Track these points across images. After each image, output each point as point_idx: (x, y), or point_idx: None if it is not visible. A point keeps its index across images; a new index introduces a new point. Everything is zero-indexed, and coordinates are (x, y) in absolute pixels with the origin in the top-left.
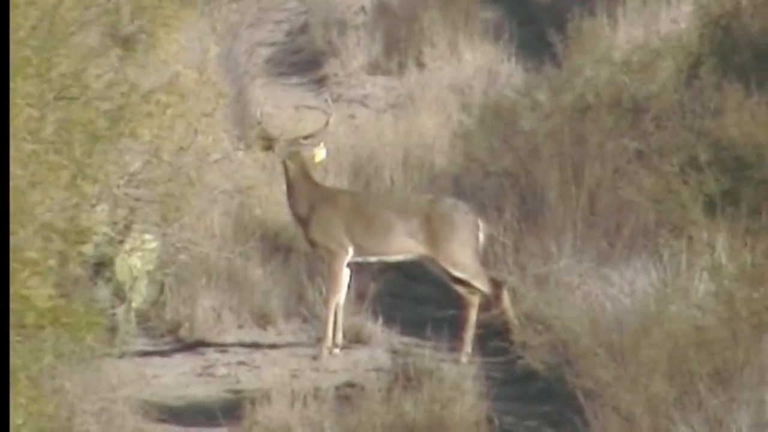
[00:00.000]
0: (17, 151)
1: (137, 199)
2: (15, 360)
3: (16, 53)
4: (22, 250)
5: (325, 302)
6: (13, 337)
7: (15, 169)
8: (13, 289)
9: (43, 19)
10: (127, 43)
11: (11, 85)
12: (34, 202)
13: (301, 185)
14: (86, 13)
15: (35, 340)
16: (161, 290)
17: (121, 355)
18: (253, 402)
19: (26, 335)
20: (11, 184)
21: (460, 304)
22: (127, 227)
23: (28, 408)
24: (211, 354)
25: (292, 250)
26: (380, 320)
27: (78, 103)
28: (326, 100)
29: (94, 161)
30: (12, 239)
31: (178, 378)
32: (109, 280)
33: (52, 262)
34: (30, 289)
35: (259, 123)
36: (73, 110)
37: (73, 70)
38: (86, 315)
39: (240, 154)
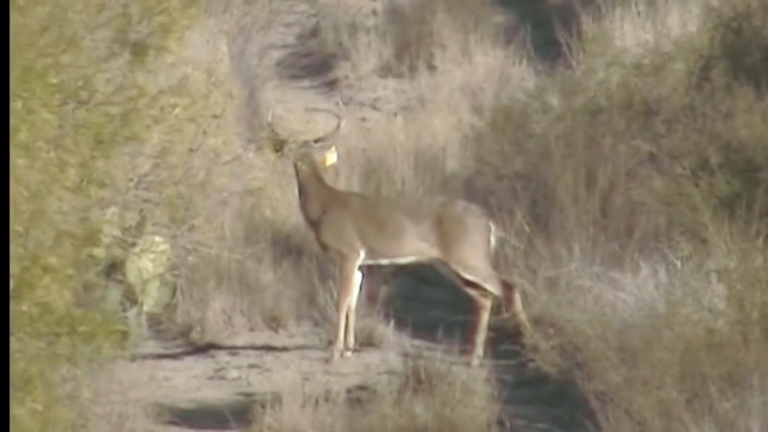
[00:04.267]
0: (27, 152)
1: (147, 201)
2: (31, 367)
3: (25, 57)
4: (38, 255)
5: (337, 305)
6: (29, 343)
7: (26, 174)
8: (32, 295)
9: (52, 23)
10: (136, 46)
11: (20, 87)
12: (45, 206)
13: (313, 188)
14: (97, 16)
15: (47, 344)
16: (173, 293)
17: (133, 358)
18: (264, 405)
19: (40, 339)
20: (22, 186)
21: (472, 307)
22: (138, 230)
23: (44, 415)
24: (222, 357)
25: (303, 253)
26: (392, 323)
27: (86, 108)
28: (337, 104)
29: (101, 164)
30: (27, 243)
31: (189, 381)
32: (120, 283)
33: (69, 267)
34: (49, 294)
35: (269, 125)
36: (81, 115)
37: (82, 75)
38: (104, 323)
39: (250, 155)
